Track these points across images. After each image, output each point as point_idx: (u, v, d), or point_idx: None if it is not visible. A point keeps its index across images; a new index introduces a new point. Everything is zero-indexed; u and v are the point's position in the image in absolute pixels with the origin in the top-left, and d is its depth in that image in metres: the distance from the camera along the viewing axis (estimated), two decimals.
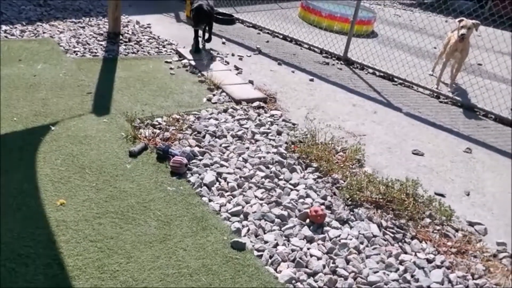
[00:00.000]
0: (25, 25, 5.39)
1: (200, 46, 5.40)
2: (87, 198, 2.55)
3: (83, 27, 5.60)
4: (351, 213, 2.80)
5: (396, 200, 2.89)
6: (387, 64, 5.66)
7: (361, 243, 2.57)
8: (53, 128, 3.22)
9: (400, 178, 3.14)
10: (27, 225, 2.30)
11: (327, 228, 2.64)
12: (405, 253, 2.56)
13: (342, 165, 3.26)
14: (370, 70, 5.69)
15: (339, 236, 2.59)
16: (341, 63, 5.83)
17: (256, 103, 4.10)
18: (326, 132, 3.65)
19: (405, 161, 3.60)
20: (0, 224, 2.27)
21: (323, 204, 2.83)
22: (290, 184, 3.00)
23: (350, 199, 2.89)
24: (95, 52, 4.83)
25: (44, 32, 5.23)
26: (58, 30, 5.37)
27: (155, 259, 2.21)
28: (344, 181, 3.08)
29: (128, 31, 5.70)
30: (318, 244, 2.50)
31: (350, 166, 3.30)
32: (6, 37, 4.92)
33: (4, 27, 5.16)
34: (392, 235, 2.67)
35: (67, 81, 4.02)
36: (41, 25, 5.46)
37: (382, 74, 5.58)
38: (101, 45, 5.08)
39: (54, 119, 3.35)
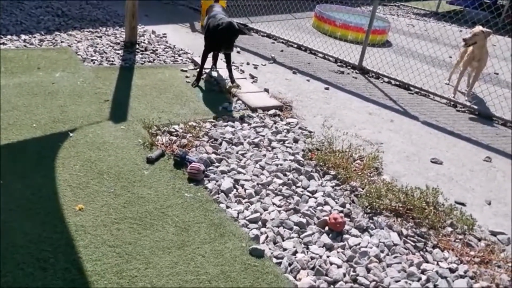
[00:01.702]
0: (44, 34, 5.48)
1: (214, 73, 4.76)
2: (106, 204, 2.55)
3: (100, 37, 5.67)
4: (371, 221, 2.75)
5: (416, 209, 2.83)
6: (403, 73, 5.62)
7: (382, 251, 2.52)
8: (71, 134, 3.24)
9: (420, 187, 3.09)
10: (46, 230, 2.29)
11: (346, 236, 2.59)
12: (427, 262, 2.50)
13: (360, 173, 3.22)
14: (386, 79, 5.66)
15: (359, 244, 2.54)
16: (356, 72, 5.81)
17: (272, 111, 4.09)
18: (343, 140, 3.62)
19: (424, 169, 3.54)
20: (19, 228, 2.27)
21: (342, 211, 2.79)
22: (308, 191, 2.96)
23: (369, 207, 2.85)
24: (112, 61, 4.88)
25: (62, 42, 5.30)
26: (75, 40, 5.44)
27: (174, 265, 2.19)
28: (363, 189, 3.04)
29: (144, 40, 5.76)
30: (338, 252, 2.46)
31: (368, 174, 3.26)
32: (25, 45, 5.00)
33: (23, 36, 5.25)
34: (413, 243, 2.61)
35: (85, 88, 4.06)
36: (59, 35, 5.54)
37: (397, 83, 5.54)
38: (118, 54, 5.14)
39: (73, 125, 3.37)
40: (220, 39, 4.03)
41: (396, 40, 7.43)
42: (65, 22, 6.12)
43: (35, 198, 2.52)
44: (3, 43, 4.95)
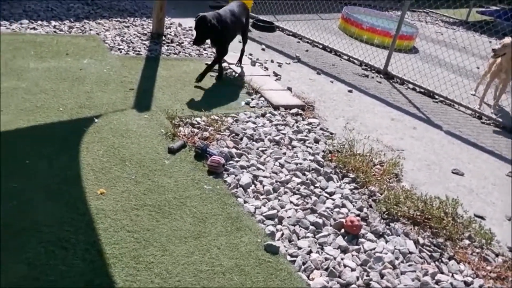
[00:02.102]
0: (73, 21, 5.57)
1: (237, 69, 4.86)
2: (126, 190, 2.60)
3: (128, 27, 5.74)
4: (387, 227, 2.73)
5: (435, 218, 2.81)
6: (428, 80, 5.56)
7: (397, 258, 2.50)
8: (96, 120, 3.30)
9: (439, 196, 3.05)
10: (68, 211, 2.35)
11: (362, 239, 2.59)
12: (442, 273, 2.48)
13: (379, 178, 3.20)
14: (410, 86, 5.60)
15: (374, 249, 2.53)
16: (380, 77, 5.76)
17: (294, 110, 4.09)
18: (365, 143, 3.60)
19: (444, 179, 3.50)
20: (42, 208, 2.33)
21: (358, 215, 2.78)
22: (326, 192, 2.96)
23: (386, 212, 2.83)
24: (139, 51, 4.94)
25: (90, 30, 5.39)
26: (104, 28, 5.52)
27: (189, 255, 2.21)
28: (381, 194, 3.03)
29: (170, 32, 5.81)
30: (352, 255, 2.46)
31: (388, 179, 3.23)
32: (55, 31, 5.10)
33: (53, 23, 5.35)
34: (429, 253, 2.59)
35: (111, 76, 4.12)
36: (88, 23, 5.63)
37: (422, 90, 5.48)
38: (144, 44, 5.20)
39: (98, 112, 3.43)
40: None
41: (424, 47, 7.34)
42: (94, 11, 6.21)
43: (60, 179, 2.58)
44: (34, 28, 5.05)
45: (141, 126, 3.34)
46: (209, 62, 4.80)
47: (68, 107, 3.42)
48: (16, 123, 3.07)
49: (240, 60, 5.02)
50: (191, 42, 5.58)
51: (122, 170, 2.77)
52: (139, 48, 5.03)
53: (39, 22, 5.28)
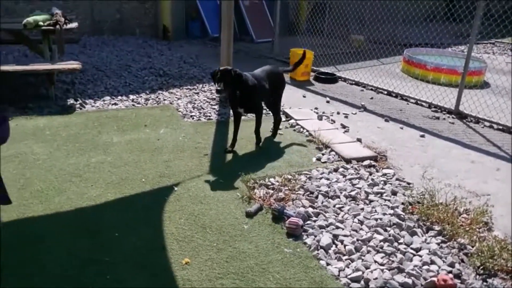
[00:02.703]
0: (148, 93, 6.01)
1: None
2: (209, 258, 2.66)
3: (197, 93, 6.08)
4: (485, 283, 2.54)
5: None
6: (506, 116, 5.27)
7: None
8: (175, 188, 3.46)
9: None
10: (155, 282, 2.44)
11: None
12: None
13: (467, 229, 3.02)
14: (487, 123, 5.33)
15: None
16: (452, 117, 5.56)
17: (366, 162, 4.03)
18: (446, 192, 3.43)
19: None
20: (131, 280, 2.44)
21: (450, 272, 2.61)
22: (412, 248, 2.83)
23: (481, 267, 2.64)
24: (209, 116, 5.19)
25: (164, 99, 5.77)
26: (176, 97, 5.89)
27: None
28: (472, 247, 2.84)
29: None
30: None
31: (477, 229, 3.04)
32: (133, 105, 5.52)
33: (131, 96, 5.81)
34: None
35: (186, 143, 4.34)
36: (161, 93, 6.04)
37: (500, 127, 5.19)
38: (214, 109, 5.46)
39: (176, 180, 3.60)
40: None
41: (495, 81, 7.00)
42: (166, 81, 6.67)
43: (145, 250, 2.70)
44: (115, 103, 5.51)
45: (218, 191, 3.45)
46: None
47: (149, 177, 3.63)
48: (105, 196, 3.31)
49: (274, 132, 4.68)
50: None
51: (204, 238, 2.85)
52: (209, 113, 5.29)
53: (119, 97, 5.75)
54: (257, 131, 4.31)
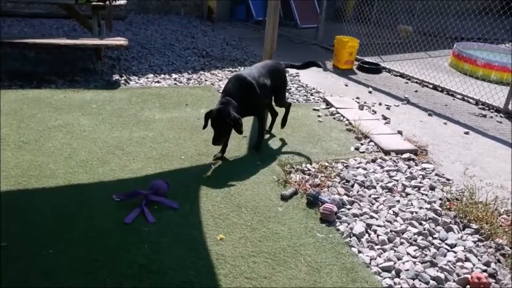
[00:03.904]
0: (191, 73, 6.11)
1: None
2: (243, 236, 2.72)
3: None
4: None
5: None
6: None
7: None
8: (213, 167, 3.53)
9: None
10: (191, 255, 2.52)
11: None
12: None
13: (507, 229, 2.94)
14: None
15: None
16: (500, 116, 5.35)
17: (406, 155, 3.97)
18: (488, 191, 3.34)
19: None
20: (169, 251, 2.53)
21: (485, 271, 2.56)
22: (446, 244, 2.79)
23: None
24: None
25: (206, 80, 5.85)
26: (217, 78, 5.96)
27: None
28: (510, 248, 2.76)
29: None
30: None
31: None
32: (175, 84, 5.63)
33: (174, 75, 5.92)
34: None
35: None
36: (203, 74, 6.12)
37: None
38: None
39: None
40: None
41: None
42: (208, 62, 6.74)
43: (183, 224, 2.79)
44: (158, 81, 5.64)
45: (254, 172, 3.50)
46: (317, 108, 4.93)
47: (189, 154, 3.72)
48: (146, 170, 3.42)
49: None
50: (298, 88, 5.78)
51: (238, 217, 2.91)
52: None
53: (162, 75, 5.87)
54: (259, 133, 3.90)
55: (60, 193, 3.04)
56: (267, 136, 4.21)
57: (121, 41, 5.67)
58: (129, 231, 2.68)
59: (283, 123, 4.27)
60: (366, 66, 6.97)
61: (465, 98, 5.89)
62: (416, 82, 6.53)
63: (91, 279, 2.29)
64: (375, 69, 6.96)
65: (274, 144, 4.05)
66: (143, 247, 2.55)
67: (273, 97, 4.07)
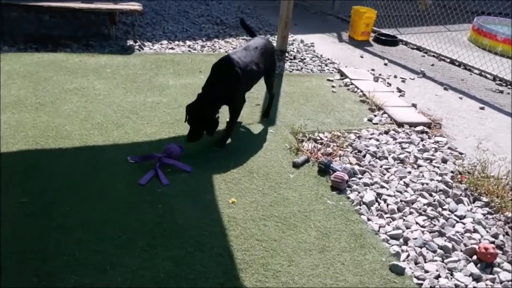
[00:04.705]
0: (205, 41, 6.07)
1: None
2: (254, 200, 2.77)
3: None
4: None
5: None
6: None
7: None
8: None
9: None
10: (203, 217, 2.58)
11: (497, 269, 2.41)
12: None
13: None
14: None
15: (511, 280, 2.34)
16: None
17: (419, 128, 3.95)
18: (500, 165, 3.34)
19: None
20: (182, 212, 2.60)
21: (493, 242, 2.59)
22: (456, 215, 2.81)
23: None
24: None
25: (220, 48, 5.82)
26: (232, 46, 5.92)
27: (314, 267, 2.28)
28: None
29: (293, 49, 6.01)
30: (486, 285, 2.30)
31: None
32: (189, 50, 5.61)
33: (188, 42, 5.89)
34: None
35: None
36: (217, 41, 6.09)
37: None
38: None
39: None
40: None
41: None
42: (222, 30, 6.69)
43: (196, 187, 2.84)
44: (172, 48, 5.62)
45: (266, 140, 3.52)
46: (331, 78, 4.90)
47: None
48: (160, 134, 3.46)
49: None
50: (313, 59, 5.73)
51: (250, 182, 2.95)
52: None
53: (176, 42, 5.85)
54: (227, 127, 3.48)
55: (76, 154, 3.10)
56: (283, 105, 4.20)
57: (135, 6, 5.64)
58: (143, 192, 2.75)
59: (266, 113, 3.92)
60: (383, 38, 6.86)
61: (483, 73, 5.79)
62: (433, 56, 6.42)
63: (106, 235, 2.36)
64: (392, 41, 6.84)
65: (287, 113, 4.05)
66: (156, 207, 2.61)
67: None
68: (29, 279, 2.04)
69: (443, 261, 2.43)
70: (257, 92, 4.43)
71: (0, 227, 2.32)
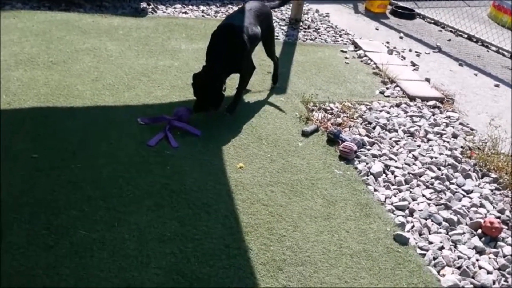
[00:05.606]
0: (219, 6, 5.97)
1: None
2: (262, 166, 2.78)
3: None
4: None
5: None
6: None
7: None
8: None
9: None
10: (211, 180, 2.60)
11: (501, 243, 2.42)
12: None
13: None
14: None
15: None
16: None
17: (431, 102, 3.91)
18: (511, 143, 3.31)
19: None
20: (190, 174, 2.62)
21: (499, 217, 2.59)
22: (463, 189, 2.81)
23: None
24: (277, 36, 5.11)
25: None
26: None
27: (319, 234, 2.31)
28: None
29: (307, 18, 5.90)
30: (490, 258, 2.32)
31: None
32: (203, 16, 5.54)
33: (202, 7, 5.81)
34: None
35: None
36: (231, 8, 5.98)
37: None
38: (282, 29, 5.37)
39: None
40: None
41: None
42: None
43: (205, 151, 2.86)
44: (185, 12, 5.55)
45: (277, 108, 3.51)
46: (345, 49, 4.82)
47: None
48: (170, 97, 3.46)
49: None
50: (327, 29, 5.63)
51: (259, 148, 2.96)
52: (277, 33, 5.21)
53: (190, 7, 5.77)
54: (237, 93, 3.38)
55: (87, 113, 3.12)
56: (294, 74, 4.16)
57: None
58: (152, 153, 2.77)
59: (275, 79, 3.85)
60: (400, 11, 6.70)
61: (500, 50, 5.66)
62: (451, 31, 6.27)
63: (114, 194, 2.39)
64: (409, 14, 6.68)
65: (298, 82, 4.02)
66: (165, 169, 2.64)
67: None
68: (39, 231, 2.09)
69: (447, 234, 2.45)
70: (269, 60, 4.38)
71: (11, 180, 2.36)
